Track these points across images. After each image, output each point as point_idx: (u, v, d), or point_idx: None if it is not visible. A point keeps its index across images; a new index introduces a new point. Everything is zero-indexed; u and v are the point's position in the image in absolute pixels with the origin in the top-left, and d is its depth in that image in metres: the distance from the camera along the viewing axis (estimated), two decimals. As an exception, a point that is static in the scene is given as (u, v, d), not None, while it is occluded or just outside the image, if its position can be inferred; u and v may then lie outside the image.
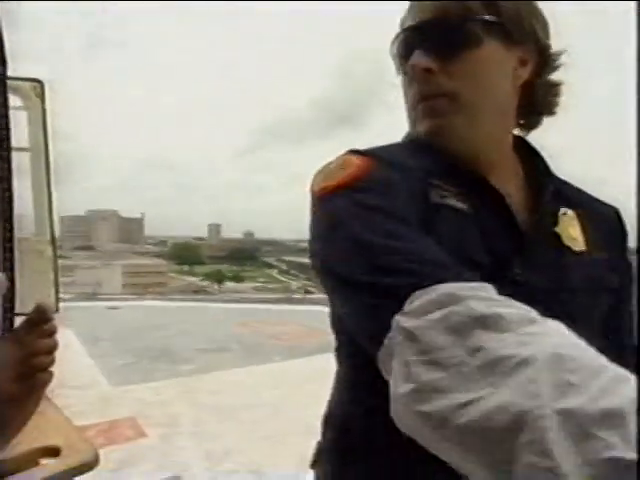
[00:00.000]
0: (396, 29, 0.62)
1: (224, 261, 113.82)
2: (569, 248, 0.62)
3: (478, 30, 0.57)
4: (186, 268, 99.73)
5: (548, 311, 0.45)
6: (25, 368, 0.53)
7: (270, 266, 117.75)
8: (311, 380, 4.31)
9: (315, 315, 8.18)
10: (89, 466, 0.61)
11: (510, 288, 0.49)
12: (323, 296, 0.55)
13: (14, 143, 1.89)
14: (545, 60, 0.62)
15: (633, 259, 0.68)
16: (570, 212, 0.64)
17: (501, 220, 0.59)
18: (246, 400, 4.21)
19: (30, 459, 0.87)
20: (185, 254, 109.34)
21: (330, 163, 0.58)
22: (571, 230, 0.64)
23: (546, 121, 0.67)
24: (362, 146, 0.59)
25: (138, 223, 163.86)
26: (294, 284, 74.03)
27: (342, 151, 0.58)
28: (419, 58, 0.58)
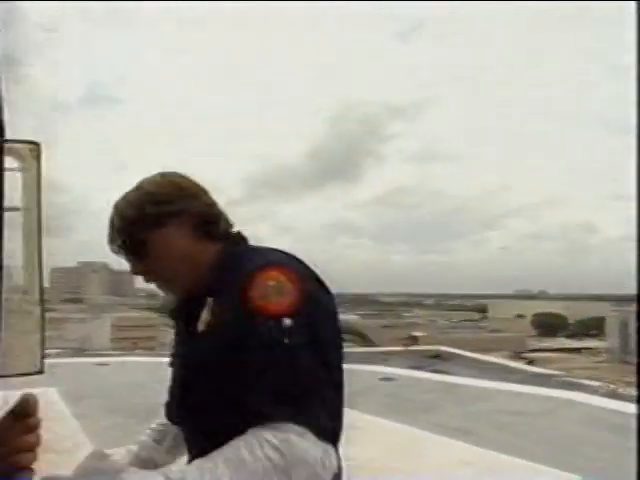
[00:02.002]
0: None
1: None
2: (196, 329, 0.92)
3: (141, 238, 0.94)
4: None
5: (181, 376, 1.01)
6: (4, 466, 0.48)
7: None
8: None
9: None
10: None
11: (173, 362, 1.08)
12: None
13: (6, 203, 1.86)
14: (201, 214, 0.97)
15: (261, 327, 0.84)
16: (210, 299, 0.91)
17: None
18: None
19: None
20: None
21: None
22: (204, 314, 0.91)
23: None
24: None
25: (129, 276, 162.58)
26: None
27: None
28: (130, 267, 1.01)
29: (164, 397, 1.10)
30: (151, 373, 8.85)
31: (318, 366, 0.84)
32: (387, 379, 7.35)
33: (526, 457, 3.83)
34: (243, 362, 0.82)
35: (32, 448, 0.50)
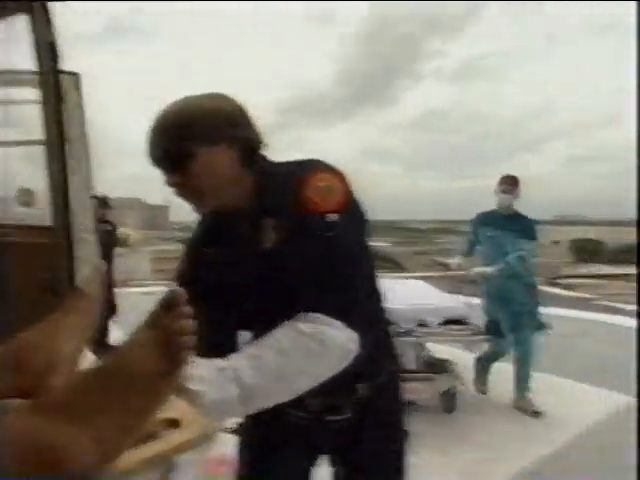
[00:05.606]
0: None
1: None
2: (256, 250, 0.98)
3: (189, 151, 0.91)
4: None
5: None
6: (166, 348, 0.55)
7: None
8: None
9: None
10: (208, 437, 0.65)
11: None
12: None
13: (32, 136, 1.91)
14: (243, 143, 0.95)
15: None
16: (270, 220, 0.96)
17: None
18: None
19: (152, 430, 1.00)
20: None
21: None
22: (267, 234, 0.96)
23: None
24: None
25: (163, 210, 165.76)
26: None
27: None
28: (168, 179, 0.94)
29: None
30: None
31: (356, 261, 0.94)
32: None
33: (571, 377, 3.82)
34: (295, 254, 0.90)
35: (189, 332, 0.56)
